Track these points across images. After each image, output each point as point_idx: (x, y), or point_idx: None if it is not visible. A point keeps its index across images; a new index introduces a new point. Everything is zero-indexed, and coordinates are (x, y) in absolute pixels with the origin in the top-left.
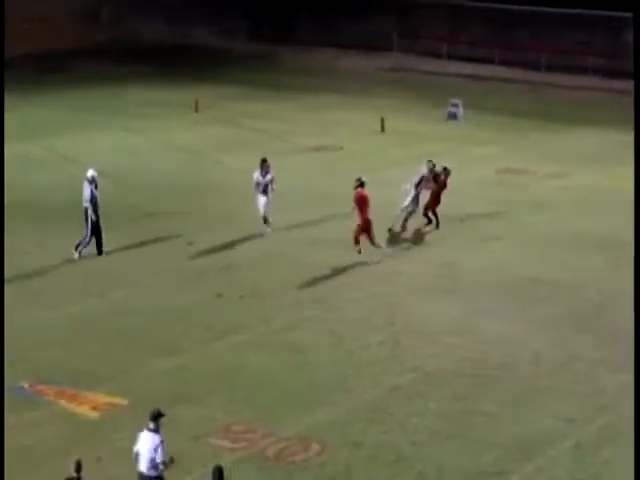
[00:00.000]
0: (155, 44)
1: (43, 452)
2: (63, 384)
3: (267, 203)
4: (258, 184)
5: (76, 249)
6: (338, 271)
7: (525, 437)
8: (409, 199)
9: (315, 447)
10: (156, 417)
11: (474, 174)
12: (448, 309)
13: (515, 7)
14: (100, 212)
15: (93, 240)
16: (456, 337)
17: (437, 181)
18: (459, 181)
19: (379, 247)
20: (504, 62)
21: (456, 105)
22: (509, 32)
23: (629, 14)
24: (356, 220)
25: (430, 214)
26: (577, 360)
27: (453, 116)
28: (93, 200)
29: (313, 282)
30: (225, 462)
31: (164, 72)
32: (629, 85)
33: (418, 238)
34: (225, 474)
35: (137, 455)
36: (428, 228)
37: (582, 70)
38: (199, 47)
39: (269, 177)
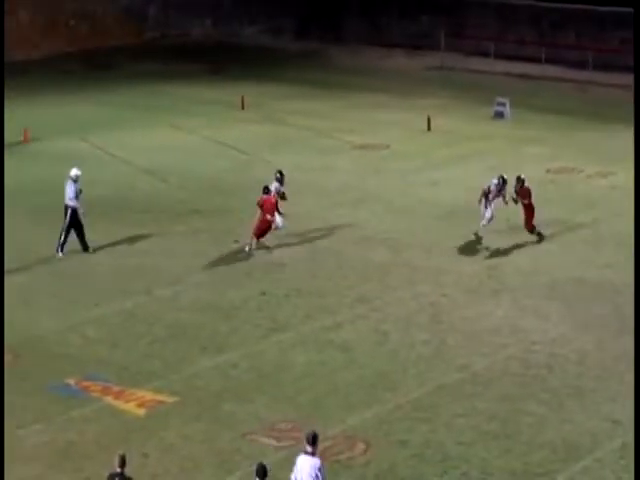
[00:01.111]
0: (202, 42)
1: (89, 448)
2: (109, 381)
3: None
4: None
5: (85, 249)
6: (383, 270)
7: (571, 438)
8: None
9: (360, 446)
10: (314, 440)
11: (523, 173)
12: (494, 309)
13: (562, 5)
14: (84, 211)
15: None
16: (502, 337)
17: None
18: (509, 180)
19: (250, 247)
20: (551, 61)
21: (503, 104)
22: (556, 30)
23: None
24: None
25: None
26: (623, 361)
27: (500, 115)
28: (78, 198)
29: (359, 280)
30: (270, 460)
31: (211, 70)
32: None
33: (464, 238)
34: (270, 473)
35: None
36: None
37: (629, 69)
38: (246, 45)
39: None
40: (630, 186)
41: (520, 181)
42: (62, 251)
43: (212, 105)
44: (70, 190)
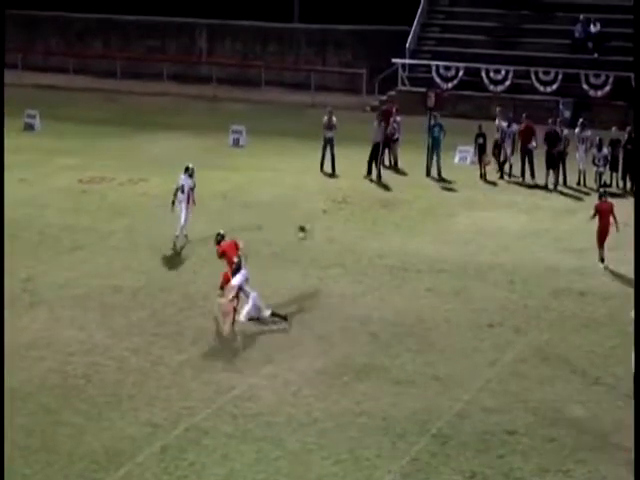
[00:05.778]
0: None
1: None
2: None
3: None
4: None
5: None
6: None
7: (111, 445)
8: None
9: None
10: None
11: (56, 185)
12: (31, 322)
13: (88, 15)
14: None
15: None
16: (39, 350)
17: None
18: (41, 192)
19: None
20: (80, 71)
21: (33, 116)
22: (84, 41)
23: (203, 20)
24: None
25: None
26: (162, 365)
27: (30, 127)
28: None
29: None
30: None
31: None
32: (203, 90)
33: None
34: None
35: None
36: None
37: (157, 76)
38: None
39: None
40: (160, 192)
41: (218, 237)
42: None
43: None
44: None
